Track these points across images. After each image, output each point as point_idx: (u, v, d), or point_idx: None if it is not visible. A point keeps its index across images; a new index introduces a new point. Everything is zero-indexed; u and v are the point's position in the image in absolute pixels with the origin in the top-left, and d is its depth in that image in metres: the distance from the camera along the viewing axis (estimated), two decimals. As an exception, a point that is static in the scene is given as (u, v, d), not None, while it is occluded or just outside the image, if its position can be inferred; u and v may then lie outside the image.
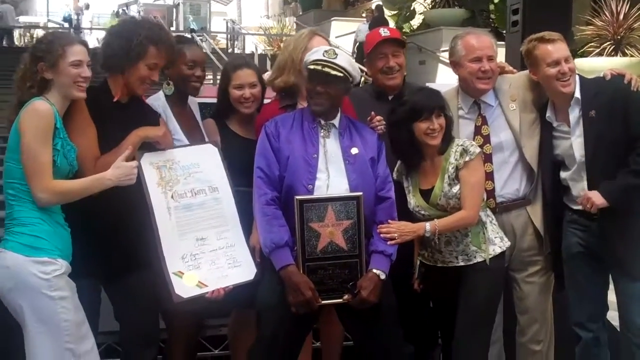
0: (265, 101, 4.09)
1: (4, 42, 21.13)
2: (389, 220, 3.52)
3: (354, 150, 3.52)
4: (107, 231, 3.38)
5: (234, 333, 4.28)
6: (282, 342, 3.45)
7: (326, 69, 3.42)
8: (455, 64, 3.94)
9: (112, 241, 3.38)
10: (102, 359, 3.60)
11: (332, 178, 3.46)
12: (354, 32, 17.37)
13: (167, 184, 3.47)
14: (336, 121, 3.56)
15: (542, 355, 4.00)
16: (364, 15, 17.72)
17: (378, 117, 3.76)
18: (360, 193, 3.41)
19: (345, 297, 3.43)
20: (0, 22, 20.82)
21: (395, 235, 3.48)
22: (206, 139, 3.89)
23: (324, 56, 3.44)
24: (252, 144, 3.76)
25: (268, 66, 15.76)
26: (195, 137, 3.88)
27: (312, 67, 3.45)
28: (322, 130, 3.53)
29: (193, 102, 4.07)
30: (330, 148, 3.51)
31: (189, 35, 20.26)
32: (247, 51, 20.59)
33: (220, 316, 4.26)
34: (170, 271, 3.38)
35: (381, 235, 3.48)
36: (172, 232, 3.43)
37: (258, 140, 3.58)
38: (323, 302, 3.42)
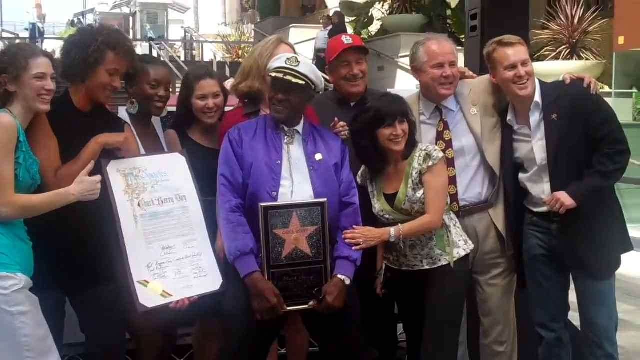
0: (227, 109, 4.08)
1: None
2: (354, 226, 3.53)
3: (318, 157, 3.53)
4: (72, 242, 3.34)
5: (199, 342, 4.24)
6: (248, 350, 3.44)
7: (288, 77, 3.42)
8: (417, 70, 3.96)
9: (76, 252, 3.35)
10: (67, 372, 3.58)
11: (296, 185, 3.47)
12: (313, 38, 17.42)
13: (134, 191, 3.43)
14: (300, 127, 3.56)
15: (506, 356, 4.04)
16: (322, 22, 17.77)
17: (341, 123, 3.78)
18: (325, 199, 3.42)
19: (311, 303, 3.43)
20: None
21: (360, 240, 3.50)
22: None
23: (286, 64, 3.45)
24: (215, 153, 3.75)
25: (227, 74, 15.75)
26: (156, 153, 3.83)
27: (274, 74, 3.46)
28: (285, 137, 3.54)
29: (156, 119, 4.04)
30: (294, 154, 3.51)
31: (146, 44, 20.22)
32: (206, 59, 20.51)
33: (185, 325, 4.23)
34: (135, 280, 3.34)
35: (346, 240, 3.50)
36: (138, 240, 3.39)
37: (222, 147, 3.57)
38: (288, 308, 3.42)
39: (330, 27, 17.28)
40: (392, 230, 3.54)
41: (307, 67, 3.51)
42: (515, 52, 3.75)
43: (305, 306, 3.45)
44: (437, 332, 3.60)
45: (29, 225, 3.21)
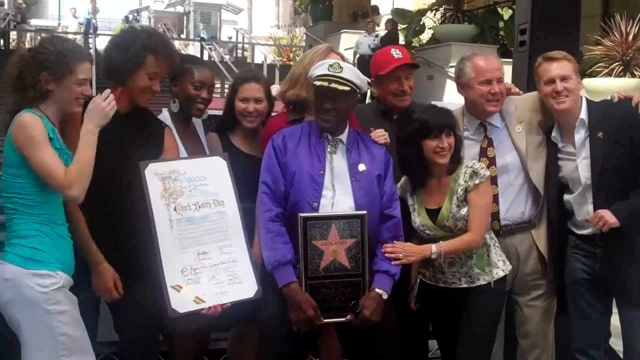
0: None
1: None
2: (394, 241, 3.49)
3: (361, 167, 3.49)
4: (107, 241, 3.35)
5: (233, 348, 4.25)
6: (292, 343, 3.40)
7: (333, 85, 3.38)
8: (463, 86, 3.91)
9: (112, 252, 3.35)
10: (101, 369, 3.61)
11: (337, 196, 3.44)
12: (363, 44, 17.34)
13: (171, 195, 3.41)
14: (344, 136, 3.52)
15: None
16: (367, 27, 17.65)
17: (379, 132, 3.73)
18: (365, 212, 3.38)
19: (348, 316, 3.40)
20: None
21: (400, 255, 3.46)
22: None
23: (329, 71, 3.40)
24: (255, 160, 3.78)
25: (277, 77, 15.79)
26: (198, 154, 3.84)
27: (318, 83, 3.41)
28: (329, 146, 3.50)
29: (197, 120, 4.06)
30: (337, 164, 3.48)
31: (198, 44, 20.40)
32: (257, 61, 20.60)
33: (219, 330, 4.23)
34: (169, 284, 3.33)
35: (386, 255, 3.45)
36: (173, 244, 3.38)
37: (265, 153, 3.55)
38: (325, 320, 3.39)
39: (375, 34, 17.21)
40: (434, 247, 3.49)
41: (351, 71, 3.46)
42: (558, 67, 3.70)
43: (342, 319, 3.42)
44: (471, 352, 3.55)
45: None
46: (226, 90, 4.31)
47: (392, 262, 3.44)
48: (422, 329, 3.97)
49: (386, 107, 4.01)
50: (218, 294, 3.43)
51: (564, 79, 3.68)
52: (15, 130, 3.03)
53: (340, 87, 3.39)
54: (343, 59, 3.90)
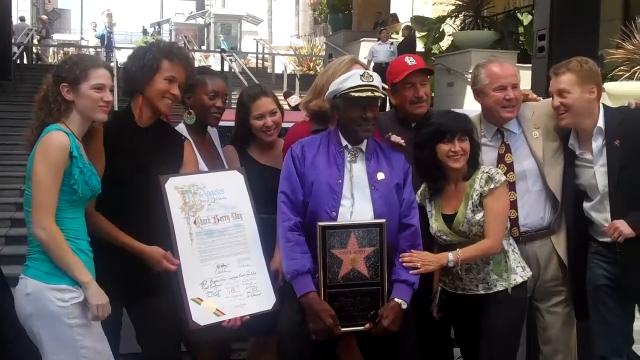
0: (286, 125, 4.10)
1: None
2: (412, 250, 3.49)
3: (380, 176, 3.49)
4: (129, 253, 3.38)
5: (252, 358, 4.27)
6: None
7: (376, 93, 3.41)
8: (478, 93, 3.91)
9: (134, 264, 3.38)
10: (123, 381, 3.63)
11: (356, 205, 3.44)
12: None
13: (191, 209, 3.46)
14: (363, 145, 3.53)
15: None
16: (382, 35, 17.60)
17: (394, 138, 3.73)
18: (384, 220, 3.39)
19: (366, 325, 3.40)
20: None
21: (418, 264, 3.45)
22: (226, 167, 3.90)
23: (362, 80, 3.41)
24: (272, 171, 3.81)
25: (297, 86, 15.83)
26: (216, 165, 3.89)
27: (355, 94, 3.40)
28: (349, 155, 3.51)
29: (212, 130, 4.09)
30: (356, 173, 3.48)
31: (219, 55, 20.49)
32: (277, 71, 20.67)
33: (239, 340, 4.25)
34: (189, 297, 3.36)
35: (404, 264, 3.45)
36: (194, 257, 3.42)
37: (284, 162, 3.56)
38: (344, 329, 3.39)
39: (390, 42, 17.19)
40: (450, 255, 3.49)
41: (378, 79, 3.49)
42: (556, 81, 3.72)
43: (361, 328, 3.42)
44: (493, 359, 3.54)
45: (90, 236, 3.25)
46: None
47: (410, 272, 3.44)
48: (445, 336, 3.97)
49: (404, 115, 4.02)
50: (237, 306, 3.46)
51: (560, 93, 3.68)
52: (40, 146, 3.07)
53: (378, 95, 3.42)
54: (366, 69, 3.91)
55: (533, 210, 3.84)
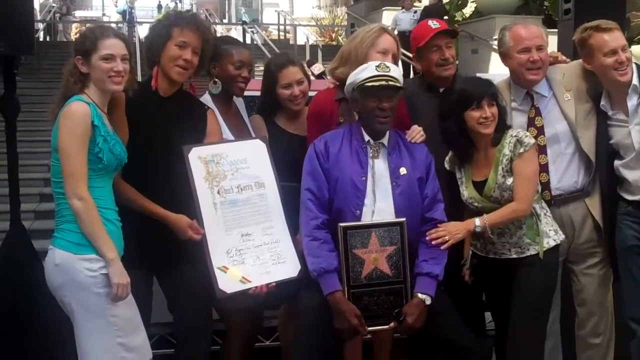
0: (311, 94, 4.08)
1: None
2: (437, 225, 3.47)
3: (402, 171, 3.47)
4: (158, 222, 3.40)
5: (283, 325, 4.30)
6: (323, 333, 3.41)
7: (392, 83, 3.38)
8: (504, 56, 3.86)
9: (163, 233, 3.40)
10: (155, 350, 3.64)
11: (378, 203, 3.44)
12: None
13: (214, 179, 3.46)
14: (385, 140, 3.50)
15: (602, 348, 3.93)
16: (406, 2, 17.38)
17: (414, 131, 3.67)
18: (404, 219, 3.39)
19: (391, 324, 3.41)
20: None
21: (447, 237, 3.43)
22: (253, 136, 3.89)
23: (378, 71, 3.39)
24: (299, 139, 3.83)
25: (319, 57, 15.74)
26: (242, 134, 3.89)
27: (372, 84, 3.38)
28: (371, 151, 3.49)
29: (238, 100, 4.07)
30: (378, 170, 3.47)
31: (240, 27, 20.44)
32: (299, 42, 20.56)
33: (271, 308, 4.27)
34: (215, 266, 3.38)
35: (433, 242, 3.43)
36: (218, 227, 3.43)
37: (307, 157, 3.54)
38: (369, 328, 3.41)
39: (413, 10, 16.95)
40: (477, 220, 3.46)
41: (396, 69, 3.47)
42: (614, 37, 3.62)
43: (386, 327, 3.43)
44: (524, 324, 3.50)
45: (119, 205, 3.26)
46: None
47: (442, 247, 3.42)
48: (477, 300, 3.96)
49: (431, 81, 3.97)
50: (263, 273, 3.48)
51: (624, 49, 3.60)
52: (62, 118, 3.08)
53: (393, 84, 3.39)
54: (396, 40, 3.87)
55: (567, 173, 3.79)
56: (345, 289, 3.36)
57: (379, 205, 3.43)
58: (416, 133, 3.65)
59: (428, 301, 3.38)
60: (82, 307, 3.06)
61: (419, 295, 3.39)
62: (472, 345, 3.43)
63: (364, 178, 3.44)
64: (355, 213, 3.41)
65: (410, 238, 3.40)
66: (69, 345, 3.11)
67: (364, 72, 3.43)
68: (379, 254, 3.38)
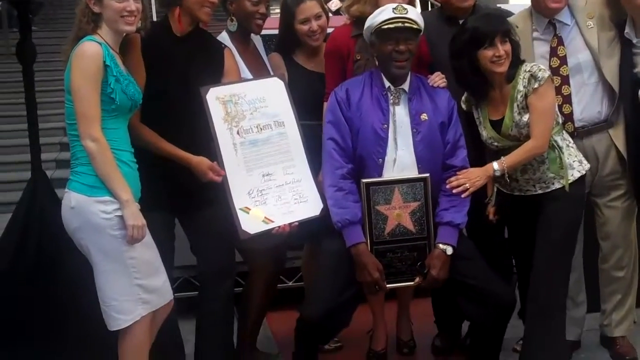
0: (329, 30, 4.01)
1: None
2: (457, 172, 3.43)
3: (423, 117, 3.44)
4: (181, 166, 3.38)
5: (306, 265, 4.30)
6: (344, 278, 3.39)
7: (407, 24, 3.32)
8: None
9: (187, 176, 3.38)
10: (179, 292, 3.68)
11: (399, 150, 3.41)
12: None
13: (233, 119, 3.41)
14: (406, 85, 3.46)
15: (625, 281, 3.91)
16: None
17: (436, 77, 3.60)
18: (427, 175, 3.37)
19: (416, 280, 3.41)
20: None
21: (467, 185, 3.38)
22: (271, 73, 3.84)
23: (395, 13, 3.33)
24: (319, 76, 3.79)
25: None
26: (261, 72, 3.84)
27: (388, 26, 3.33)
28: (391, 97, 3.45)
29: (256, 38, 4.01)
30: (399, 117, 3.43)
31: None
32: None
33: (294, 248, 4.28)
34: (237, 207, 3.35)
35: (453, 191, 3.39)
36: (239, 168, 3.40)
37: (328, 106, 3.52)
38: (391, 285, 3.42)
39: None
40: (495, 164, 3.40)
41: (414, 12, 3.42)
42: None
43: (410, 283, 3.45)
44: (550, 260, 3.47)
45: (137, 147, 3.23)
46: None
47: (462, 195, 3.38)
48: (500, 239, 3.93)
49: (450, 13, 3.87)
50: (285, 213, 3.45)
51: None
52: (74, 58, 3.04)
53: (409, 25, 3.34)
54: None
55: (590, 104, 3.71)
56: (369, 245, 3.36)
57: (400, 153, 3.40)
58: (439, 78, 3.60)
59: (449, 251, 3.36)
60: (98, 249, 3.05)
61: (440, 246, 3.37)
62: (499, 290, 3.39)
63: (385, 125, 3.41)
64: (378, 162, 3.39)
65: (433, 189, 3.38)
66: (92, 289, 3.11)
67: (380, 15, 3.37)
68: (402, 210, 3.37)
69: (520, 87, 3.40)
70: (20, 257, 3.75)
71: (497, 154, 3.51)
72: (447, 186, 3.42)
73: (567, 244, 3.54)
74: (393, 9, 3.35)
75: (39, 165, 4.01)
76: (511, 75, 3.43)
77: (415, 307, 4.27)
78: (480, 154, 3.63)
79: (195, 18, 3.45)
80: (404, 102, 3.46)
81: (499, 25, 3.41)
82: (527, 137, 3.42)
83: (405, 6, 3.40)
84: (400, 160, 3.41)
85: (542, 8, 3.70)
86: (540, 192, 3.50)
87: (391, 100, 3.44)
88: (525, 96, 3.40)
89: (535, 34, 3.75)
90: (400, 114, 3.44)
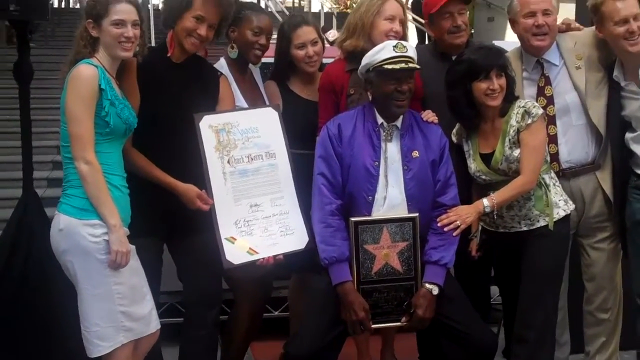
0: (326, 60, 4.04)
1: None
2: (447, 210, 3.42)
3: (415, 154, 3.42)
4: (171, 192, 3.38)
5: (293, 296, 4.30)
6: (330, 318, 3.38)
7: (411, 65, 3.33)
8: (512, 22, 3.79)
9: (173, 201, 3.38)
10: (165, 318, 3.65)
11: (389, 188, 3.40)
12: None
13: (225, 148, 3.42)
14: (399, 122, 3.45)
15: (610, 324, 3.91)
16: None
17: (429, 115, 3.60)
18: (416, 214, 3.36)
19: (403, 319, 3.40)
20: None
21: (458, 222, 3.38)
22: (267, 103, 3.86)
23: (396, 52, 3.32)
24: (314, 105, 3.80)
25: (334, 25, 15.61)
26: (256, 101, 3.86)
27: (389, 67, 3.32)
28: (384, 134, 3.44)
29: (254, 68, 4.04)
30: (390, 154, 3.42)
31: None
32: (314, 9, 20.40)
33: (281, 278, 4.28)
34: (223, 236, 3.37)
35: (445, 228, 3.37)
36: (227, 197, 3.41)
37: (319, 140, 3.51)
38: (377, 325, 3.40)
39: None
40: (485, 200, 3.41)
41: (412, 49, 3.41)
42: (627, 5, 3.52)
43: (396, 324, 3.45)
44: (535, 297, 3.49)
45: (128, 172, 3.25)
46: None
47: (454, 233, 3.37)
48: (484, 276, 3.94)
49: (443, 49, 3.91)
50: (270, 245, 3.46)
51: (636, 18, 3.51)
52: (70, 80, 3.07)
53: (412, 66, 3.35)
54: (401, 4, 3.83)
55: (577, 145, 3.73)
56: (355, 284, 3.34)
57: (390, 190, 3.39)
58: (431, 115, 3.61)
59: (435, 291, 3.34)
60: (84, 272, 3.04)
61: (427, 285, 3.35)
62: (481, 334, 3.37)
63: (376, 163, 3.40)
64: (368, 199, 3.38)
65: (422, 226, 3.37)
66: (75, 314, 3.11)
67: (381, 53, 3.35)
68: (391, 249, 3.36)
69: (513, 122, 3.43)
70: (5, 280, 3.75)
71: (483, 189, 3.53)
72: (438, 224, 3.39)
73: (552, 281, 3.55)
74: (393, 47, 3.34)
75: (30, 185, 4.02)
76: (505, 110, 3.46)
77: (400, 341, 4.27)
78: (468, 189, 3.65)
79: (180, 45, 3.48)
80: (396, 138, 3.44)
81: (495, 59, 3.45)
82: (516, 172, 3.44)
83: (404, 43, 3.40)
84: (390, 198, 3.39)
85: (527, 46, 3.74)
86: (525, 229, 3.52)
87: (383, 137, 3.43)
88: (518, 131, 3.42)
89: (524, 74, 3.79)
90: (392, 150, 3.43)
